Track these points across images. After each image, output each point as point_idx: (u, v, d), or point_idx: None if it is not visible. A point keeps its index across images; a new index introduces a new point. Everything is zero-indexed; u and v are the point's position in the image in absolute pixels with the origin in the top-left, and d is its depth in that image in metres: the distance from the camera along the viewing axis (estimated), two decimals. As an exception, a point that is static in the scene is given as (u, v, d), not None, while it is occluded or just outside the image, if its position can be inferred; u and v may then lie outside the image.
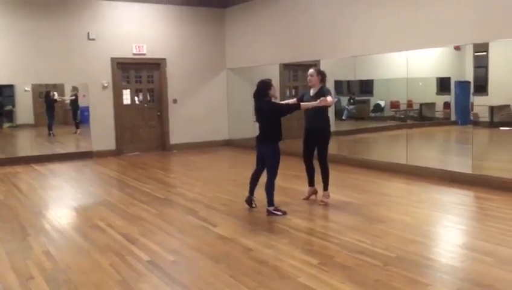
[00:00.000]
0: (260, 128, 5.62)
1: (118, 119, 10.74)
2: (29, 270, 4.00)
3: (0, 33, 9.48)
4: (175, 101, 11.38)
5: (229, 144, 11.98)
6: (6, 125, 14.57)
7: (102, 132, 10.56)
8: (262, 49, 10.86)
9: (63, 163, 9.77)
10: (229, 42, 11.92)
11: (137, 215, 5.73)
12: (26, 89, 14.97)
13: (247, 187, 7.06)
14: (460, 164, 7.56)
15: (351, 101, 13.35)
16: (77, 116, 13.81)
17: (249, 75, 11.61)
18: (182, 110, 11.45)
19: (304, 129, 6.12)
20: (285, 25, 10.21)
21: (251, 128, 11.53)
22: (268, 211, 5.47)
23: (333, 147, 11.30)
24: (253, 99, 5.68)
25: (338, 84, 12.55)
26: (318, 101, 5.47)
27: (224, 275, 3.82)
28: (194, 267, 4.06)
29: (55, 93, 13.17)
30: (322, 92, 5.78)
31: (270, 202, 5.50)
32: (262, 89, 5.52)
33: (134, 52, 10.73)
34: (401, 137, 9.08)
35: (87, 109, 11.51)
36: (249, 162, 9.61)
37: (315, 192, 6.19)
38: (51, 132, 13.12)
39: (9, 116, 14.59)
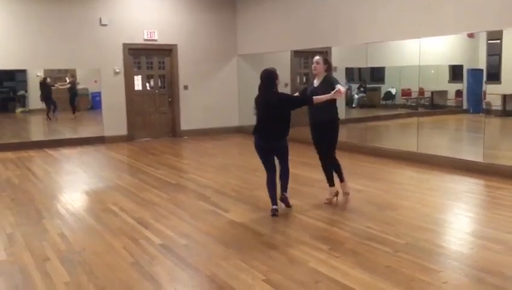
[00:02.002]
0: (267, 123, 4.93)
1: (130, 105, 10.80)
2: (45, 252, 4.09)
3: (13, 19, 9.53)
4: (186, 87, 11.41)
5: (240, 130, 12.00)
6: (19, 110, 14.74)
7: (114, 117, 10.64)
8: (273, 36, 10.82)
9: (76, 148, 9.87)
10: (240, 28, 11.89)
11: (149, 200, 5.80)
12: (38, 74, 15.10)
13: (257, 173, 7.13)
14: (471, 153, 7.54)
15: (362, 88, 13.30)
16: (74, 101, 14.01)
17: (260, 61, 11.58)
18: (193, 96, 11.48)
19: (311, 124, 5.52)
20: (297, 11, 10.16)
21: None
22: (285, 196, 5.15)
23: (343, 135, 11.36)
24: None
25: (349, 71, 12.50)
26: (332, 93, 4.93)
27: (235, 259, 3.88)
28: (205, 252, 4.13)
29: (49, 79, 13.39)
30: (329, 81, 5.25)
31: (286, 187, 5.20)
32: (270, 79, 4.94)
33: (146, 38, 10.75)
34: (412, 125, 9.06)
35: (99, 94, 11.59)
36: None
37: (337, 193, 5.59)
38: (48, 116, 13.33)
39: (22, 101, 14.76)
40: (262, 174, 7.02)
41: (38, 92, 15.43)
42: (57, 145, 9.92)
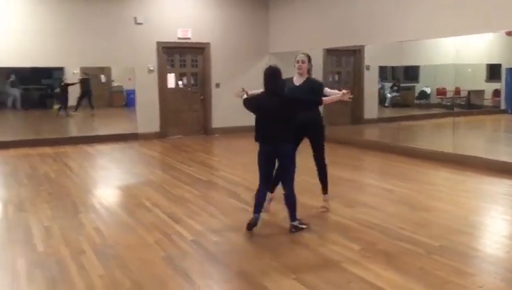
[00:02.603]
0: (270, 127, 4.44)
1: (163, 103, 10.95)
2: (80, 245, 4.20)
3: (51, 17, 9.79)
4: (218, 85, 11.48)
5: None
6: (55, 106, 15.16)
7: (147, 114, 10.81)
8: (305, 34, 10.77)
9: (110, 144, 10.07)
10: (272, 26, 11.88)
11: (181, 196, 5.87)
12: (75, 71, 15.48)
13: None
14: (509, 154, 7.32)
15: (395, 87, 13.10)
16: (88, 99, 14.32)
17: (291, 60, 11.54)
18: (224, 94, 11.53)
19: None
20: (330, 8, 10.07)
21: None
22: (293, 226, 4.47)
23: (375, 134, 11.24)
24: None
25: (382, 70, 12.33)
26: (341, 94, 4.56)
27: (265, 256, 3.89)
28: (236, 249, 4.15)
29: (67, 78, 13.77)
30: (313, 84, 4.97)
31: (294, 216, 4.50)
32: (276, 76, 4.48)
33: (180, 36, 10.87)
34: (448, 125, 8.87)
35: (133, 92, 11.79)
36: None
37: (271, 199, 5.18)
38: (60, 112, 13.70)
39: (59, 98, 15.16)
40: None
41: (74, 89, 15.84)
42: (92, 141, 10.14)
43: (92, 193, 6.37)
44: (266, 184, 4.64)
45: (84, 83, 14.06)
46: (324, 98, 4.66)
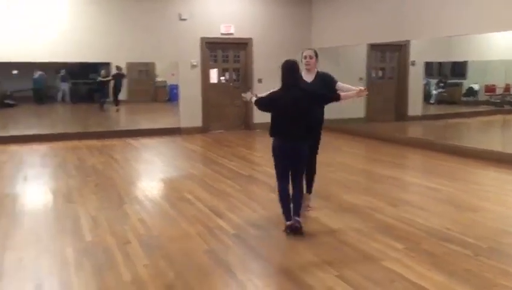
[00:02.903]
0: (289, 123, 4.24)
1: (205, 98, 11.07)
2: (126, 235, 4.32)
3: (97, 13, 10.05)
4: (260, 80, 11.49)
5: (312, 125, 11.93)
6: (103, 100, 15.59)
7: (189, 109, 10.96)
8: (349, 29, 10.63)
9: (154, 138, 10.28)
10: (316, 21, 11.78)
11: (222, 190, 5.93)
12: (121, 67, 15.86)
13: (330, 169, 7.07)
14: None
15: (441, 84, 12.74)
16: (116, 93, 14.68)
17: (335, 55, 11.43)
18: (267, 89, 11.51)
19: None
20: (375, 2, 9.88)
21: (335, 110, 11.42)
22: (297, 221, 4.30)
23: (419, 131, 10.98)
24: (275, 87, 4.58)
25: (428, 65, 12.01)
26: (358, 90, 4.48)
27: (306, 252, 3.88)
28: (277, 243, 4.16)
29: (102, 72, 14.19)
30: (327, 78, 4.82)
31: (299, 212, 4.38)
32: (294, 71, 4.30)
33: (223, 32, 10.96)
34: (496, 123, 8.57)
35: (176, 86, 11.99)
36: (332, 144, 9.57)
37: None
38: (103, 106, 14.11)
39: (107, 92, 15.58)
40: (335, 169, 7.02)
41: (123, 84, 16.29)
42: (136, 135, 10.38)
43: (136, 185, 6.54)
44: (287, 181, 4.43)
45: (116, 78, 14.43)
46: (342, 94, 4.48)
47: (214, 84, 11.31)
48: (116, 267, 3.61)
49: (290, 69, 4.28)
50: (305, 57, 4.86)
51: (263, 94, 4.65)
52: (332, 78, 4.87)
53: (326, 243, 4.10)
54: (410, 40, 10.34)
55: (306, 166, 4.58)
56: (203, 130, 11.02)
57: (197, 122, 11.04)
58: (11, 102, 14.69)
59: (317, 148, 5.06)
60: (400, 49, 11.43)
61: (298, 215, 4.34)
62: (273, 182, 6.29)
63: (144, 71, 17.06)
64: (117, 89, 14.61)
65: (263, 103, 4.46)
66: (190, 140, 10.06)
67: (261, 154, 8.97)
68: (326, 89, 4.65)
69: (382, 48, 11.28)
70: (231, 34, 11.06)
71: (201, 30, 10.76)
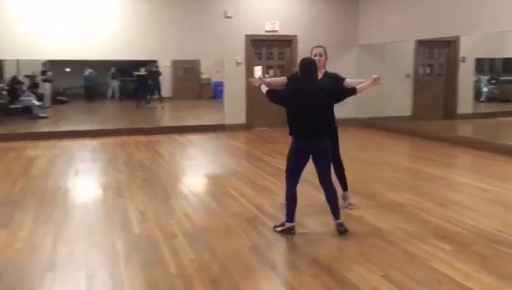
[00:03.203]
0: (309, 120, 4.17)
1: (249, 95, 11.12)
2: (172, 229, 4.42)
3: (145, 12, 10.28)
4: (304, 78, 11.45)
5: (357, 122, 11.77)
6: (148, 97, 15.95)
7: (234, 106, 11.05)
8: (396, 25, 10.41)
9: (198, 134, 10.43)
10: (362, 18, 11.60)
11: (266, 187, 5.96)
12: (167, 64, 16.23)
13: (375, 167, 6.98)
14: None
15: (493, 81, 12.28)
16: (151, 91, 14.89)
17: (381, 52, 11.24)
18: (310, 87, 11.50)
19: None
20: (424, -2, 9.64)
21: (381, 108, 11.24)
22: (340, 224, 4.24)
23: (468, 130, 10.62)
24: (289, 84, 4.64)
25: (479, 62, 11.61)
26: (372, 80, 4.38)
27: (351, 251, 3.85)
28: (322, 242, 4.14)
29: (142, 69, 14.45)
30: (333, 77, 4.78)
31: (338, 214, 4.30)
32: (312, 69, 4.22)
33: (267, 29, 10.98)
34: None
35: (220, 84, 12.13)
36: (377, 142, 9.43)
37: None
38: (140, 103, 14.32)
39: (153, 89, 15.95)
40: (380, 168, 6.91)
41: (167, 81, 16.64)
42: (182, 131, 10.57)
43: (181, 181, 6.67)
44: (296, 182, 4.39)
45: (152, 75, 14.67)
46: (357, 87, 4.42)
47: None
48: (163, 261, 3.70)
49: (309, 67, 4.22)
50: (315, 55, 4.78)
51: (272, 79, 4.61)
52: (340, 76, 4.85)
53: (371, 242, 4.05)
54: (460, 36, 10.02)
55: (330, 165, 4.49)
56: (246, 127, 11.09)
57: (241, 119, 11.12)
58: (63, 98, 15.30)
59: (338, 146, 4.97)
60: (449, 45, 11.10)
61: (338, 217, 4.26)
62: (317, 180, 6.28)
63: (189, 69, 17.34)
64: (153, 87, 14.87)
65: (278, 97, 4.38)
66: (234, 137, 10.15)
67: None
68: (334, 86, 4.64)
69: (430, 44, 11.00)
70: (276, 31, 11.06)
71: (246, 27, 10.83)
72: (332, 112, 4.76)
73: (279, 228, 4.31)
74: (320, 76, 4.71)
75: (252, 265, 3.65)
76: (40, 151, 8.49)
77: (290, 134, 4.30)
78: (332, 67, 12.35)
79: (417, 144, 9.18)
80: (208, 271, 3.51)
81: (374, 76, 4.39)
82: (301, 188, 5.96)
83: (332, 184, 4.38)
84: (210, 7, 10.60)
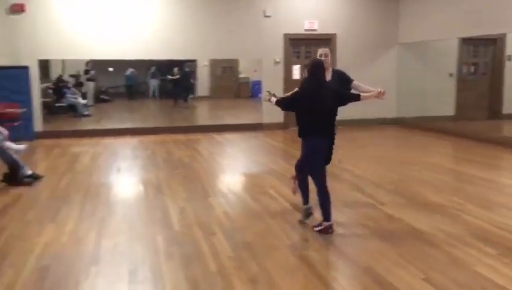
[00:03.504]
0: (321, 119, 4.28)
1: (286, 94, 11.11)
2: (211, 227, 4.47)
3: (184, 12, 10.41)
4: (343, 77, 11.35)
5: (397, 122, 11.57)
6: (189, 96, 16.18)
7: (271, 105, 11.01)
8: (439, 22, 10.15)
9: (236, 133, 10.50)
10: (403, 15, 11.37)
11: (304, 187, 5.92)
12: (205, 64, 16.41)
13: (416, 167, 6.85)
14: None
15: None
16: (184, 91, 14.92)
17: (423, 50, 11.00)
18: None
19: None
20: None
21: (422, 107, 11.00)
22: (322, 227, 4.30)
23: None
24: (310, 85, 4.35)
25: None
26: (376, 92, 4.37)
27: (392, 253, 3.78)
28: (361, 243, 4.10)
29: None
30: (341, 77, 4.78)
31: (328, 215, 4.33)
32: (321, 70, 4.30)
33: (306, 28, 10.93)
34: None
35: (258, 83, 12.15)
36: (418, 143, 9.23)
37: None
38: (176, 103, 14.41)
39: (191, 88, 16.18)
40: (421, 168, 6.78)
41: (206, 81, 16.82)
42: (220, 130, 10.66)
43: (220, 178, 6.74)
44: (306, 174, 4.57)
45: (184, 75, 14.77)
46: (362, 95, 4.44)
47: (295, 80, 11.29)
48: (203, 258, 3.75)
49: (316, 68, 4.28)
50: (321, 56, 4.76)
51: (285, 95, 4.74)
52: (349, 77, 4.84)
53: (412, 244, 3.98)
54: (506, 34, 9.68)
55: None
56: (284, 126, 11.07)
57: (279, 118, 11.09)
58: (105, 97, 15.70)
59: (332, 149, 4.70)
60: (495, 43, 10.74)
61: (327, 218, 4.30)
62: (356, 180, 6.23)
63: (228, 68, 17.45)
64: (185, 87, 15.01)
65: (288, 103, 4.54)
66: (271, 136, 10.15)
67: (342, 151, 8.83)
68: (342, 87, 4.64)
69: (475, 41, 10.67)
70: (315, 30, 10.99)
71: (284, 26, 10.81)
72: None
73: (318, 228, 4.31)
74: (328, 77, 4.70)
75: (291, 265, 3.64)
76: (84, 148, 8.76)
77: (300, 135, 4.41)
78: (372, 65, 12.30)
79: (460, 145, 8.94)
80: (246, 269, 3.53)
81: (380, 90, 4.40)
82: (338, 188, 5.95)
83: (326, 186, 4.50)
84: (249, 7, 10.65)
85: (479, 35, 9.55)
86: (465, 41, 10.63)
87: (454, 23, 9.73)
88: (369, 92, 4.52)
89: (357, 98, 4.42)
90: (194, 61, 14.78)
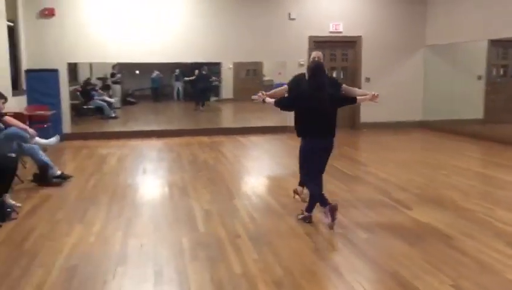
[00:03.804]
0: (324, 121, 4.47)
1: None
2: (236, 229, 4.48)
3: (210, 14, 10.47)
4: (368, 79, 11.25)
5: (423, 125, 11.41)
6: (213, 99, 16.30)
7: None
8: (467, 23, 9.97)
9: (260, 136, 10.50)
10: (430, 17, 11.21)
11: (328, 190, 5.83)
12: (230, 66, 16.48)
13: (443, 172, 6.74)
14: None
15: None
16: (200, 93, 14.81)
17: (450, 52, 10.82)
18: (374, 88, 11.04)
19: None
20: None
21: (449, 110, 10.81)
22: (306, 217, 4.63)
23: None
24: (311, 86, 4.54)
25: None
26: (370, 95, 4.65)
27: (419, 259, 3.72)
28: (387, 247, 4.04)
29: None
30: (332, 81, 5.11)
31: (311, 208, 4.64)
32: (322, 71, 4.52)
33: (331, 30, 10.88)
34: None
35: (281, 85, 12.11)
36: (444, 146, 9.09)
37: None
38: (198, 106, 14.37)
39: (216, 91, 16.29)
40: (449, 173, 6.67)
41: (230, 83, 16.88)
42: (244, 133, 10.68)
43: (244, 181, 6.75)
44: (318, 181, 4.70)
45: (200, 77, 14.74)
46: (358, 98, 4.76)
47: (320, 83, 11.27)
48: (228, 260, 3.76)
49: (319, 70, 4.47)
50: (314, 58, 4.97)
51: (272, 91, 5.06)
52: (337, 81, 5.23)
53: (440, 250, 3.91)
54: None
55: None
56: (308, 129, 11.02)
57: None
58: (132, 100, 15.92)
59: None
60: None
61: (311, 210, 4.61)
62: (382, 183, 6.16)
63: (252, 70, 17.48)
64: (202, 89, 14.97)
65: (288, 104, 4.76)
66: (296, 138, 10.04)
67: (367, 155, 8.79)
68: (332, 89, 4.76)
69: (504, 43, 10.41)
70: (340, 32, 10.93)
71: (309, 29, 10.79)
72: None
73: (301, 216, 4.64)
74: None
75: (316, 268, 3.62)
76: (111, 149, 8.90)
77: (299, 135, 4.66)
78: (397, 67, 12.17)
79: (489, 149, 8.76)
80: (271, 272, 3.53)
81: (373, 93, 4.64)
82: (363, 192, 5.89)
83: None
84: (274, 9, 10.66)
85: (508, 37, 9.33)
86: (494, 43, 10.39)
87: (483, 24, 9.54)
88: (363, 94, 4.83)
89: (353, 101, 4.75)
90: (218, 64, 14.87)
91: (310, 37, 10.82)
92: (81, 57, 10.19)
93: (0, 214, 4.68)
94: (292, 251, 3.95)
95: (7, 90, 8.18)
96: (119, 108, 14.38)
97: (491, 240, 4.08)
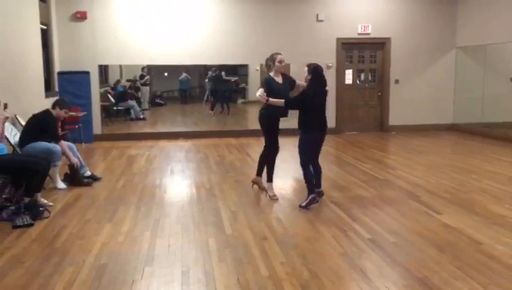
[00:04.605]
0: (322, 115, 5.30)
1: (339, 99, 11.00)
2: (263, 231, 4.48)
3: (237, 16, 10.52)
4: (397, 81, 11.12)
5: (453, 128, 11.19)
6: (240, 101, 16.38)
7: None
8: (500, 25, 9.74)
9: (287, 138, 10.33)
10: (462, 18, 11.00)
11: (356, 194, 5.85)
12: (257, 68, 16.51)
13: (474, 176, 6.61)
14: None
15: None
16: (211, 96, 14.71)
17: (482, 54, 10.60)
18: (404, 91, 11.13)
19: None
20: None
21: (481, 113, 10.58)
22: (321, 192, 5.54)
23: None
24: (316, 86, 5.23)
25: None
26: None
27: (449, 265, 3.65)
28: (416, 252, 3.98)
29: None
30: (290, 79, 5.66)
31: (320, 184, 5.53)
32: (323, 73, 5.27)
33: (359, 32, 10.79)
34: None
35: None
36: (475, 149, 8.88)
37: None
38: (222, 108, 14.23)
39: (243, 93, 16.36)
40: (480, 177, 6.53)
41: (256, 85, 16.86)
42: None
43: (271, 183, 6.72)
44: (316, 163, 5.49)
45: (214, 80, 14.63)
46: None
47: (348, 85, 11.19)
48: (254, 262, 3.76)
49: (321, 71, 5.22)
50: (280, 62, 5.51)
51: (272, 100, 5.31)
52: (291, 78, 5.70)
53: (471, 256, 3.82)
54: None
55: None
56: (336, 131, 10.95)
57: (331, 123, 10.82)
58: (160, 101, 16.14)
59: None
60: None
61: (320, 186, 5.48)
62: (411, 187, 6.07)
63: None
64: (222, 91, 14.86)
65: (298, 103, 5.23)
66: (324, 141, 10.02)
67: (396, 157, 8.66)
68: (290, 87, 5.59)
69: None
70: (368, 33, 10.83)
71: (337, 31, 10.72)
72: None
73: (304, 203, 5.17)
74: (281, 79, 5.53)
75: (343, 273, 3.59)
76: (140, 150, 9.03)
77: (306, 131, 5.24)
78: (427, 70, 11.99)
79: (493, 147, 8.54)
80: (298, 276, 3.52)
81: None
82: (392, 196, 5.80)
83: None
84: (302, 11, 10.63)
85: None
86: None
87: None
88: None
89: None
90: (245, 66, 14.92)
91: (338, 39, 10.76)
92: (112, 59, 10.39)
93: (33, 212, 4.81)
94: (319, 255, 3.93)
95: (40, 91, 8.43)
96: (147, 109, 14.58)
97: (525, 247, 3.97)
